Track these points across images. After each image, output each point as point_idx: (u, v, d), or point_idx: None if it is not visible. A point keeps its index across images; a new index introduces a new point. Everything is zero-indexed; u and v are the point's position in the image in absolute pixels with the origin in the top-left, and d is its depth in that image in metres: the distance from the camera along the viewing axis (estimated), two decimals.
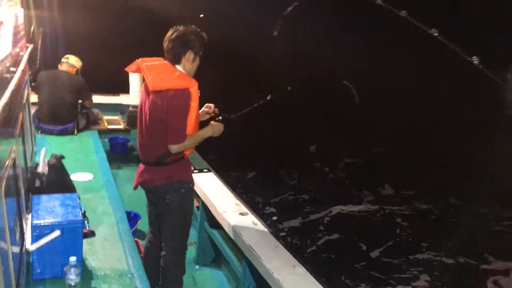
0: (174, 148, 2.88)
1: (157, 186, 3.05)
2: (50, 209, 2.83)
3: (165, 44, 2.98)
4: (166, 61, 2.99)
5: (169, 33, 2.98)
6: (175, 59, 2.95)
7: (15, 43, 3.17)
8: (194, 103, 2.89)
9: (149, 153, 3.02)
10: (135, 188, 3.19)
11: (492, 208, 8.94)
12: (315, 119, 13.92)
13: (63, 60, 5.92)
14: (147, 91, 2.98)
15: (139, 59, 3.01)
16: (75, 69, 5.91)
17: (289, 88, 3.28)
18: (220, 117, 3.17)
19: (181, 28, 2.98)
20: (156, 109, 2.90)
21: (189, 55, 2.96)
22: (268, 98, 3.26)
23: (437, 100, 15.52)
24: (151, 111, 2.94)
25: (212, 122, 3.14)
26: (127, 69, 3.11)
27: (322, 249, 7.14)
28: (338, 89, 3.38)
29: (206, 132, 3.07)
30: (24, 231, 2.67)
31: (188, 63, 2.98)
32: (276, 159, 11.01)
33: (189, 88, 2.85)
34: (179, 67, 2.95)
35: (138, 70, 3.03)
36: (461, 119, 13.25)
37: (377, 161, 11.44)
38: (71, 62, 5.90)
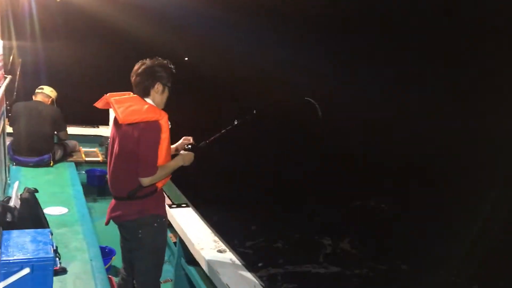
0: (145, 181, 2.83)
1: (128, 220, 2.99)
2: (20, 246, 2.73)
3: (133, 78, 2.97)
4: (134, 95, 2.97)
5: (136, 66, 2.97)
6: (144, 92, 2.94)
7: None
8: (165, 134, 2.87)
9: (120, 188, 2.97)
10: (107, 223, 3.12)
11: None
12: (285, 144, 14.14)
13: (37, 90, 5.86)
14: (116, 125, 2.95)
15: (108, 94, 2.97)
16: (50, 99, 5.85)
17: (254, 111, 3.27)
18: (190, 146, 3.14)
19: (147, 61, 2.97)
20: (126, 142, 2.86)
21: (158, 87, 2.95)
22: (235, 123, 3.24)
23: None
24: (121, 144, 2.90)
25: (182, 151, 3.11)
26: (96, 104, 3.08)
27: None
28: (301, 105, 3.38)
29: (177, 162, 3.01)
30: None
31: (157, 95, 2.97)
32: (255, 191, 10.99)
33: (159, 120, 2.83)
34: (148, 100, 2.94)
35: (106, 105, 2.99)
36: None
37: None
38: (46, 92, 5.84)
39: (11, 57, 5.72)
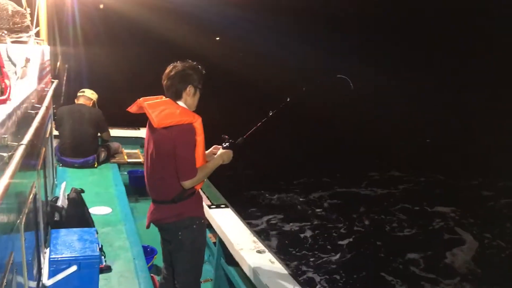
0: (187, 183, 2.87)
1: (168, 223, 3.03)
2: (68, 244, 2.84)
3: (164, 82, 3.01)
4: (167, 99, 3.02)
5: (167, 70, 3.01)
6: (176, 95, 2.98)
7: (40, 79, 3.27)
8: (200, 137, 2.90)
9: (160, 193, 3.01)
10: (148, 227, 3.17)
11: None
12: (318, 142, 14.09)
13: (79, 94, 6.06)
14: (151, 129, 3.00)
15: (141, 99, 3.01)
16: (91, 102, 6.05)
17: (288, 99, 3.25)
18: (228, 143, 3.15)
19: (178, 64, 3.01)
20: (162, 146, 2.90)
21: (189, 89, 2.98)
22: (270, 114, 3.23)
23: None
24: (157, 149, 2.94)
25: (220, 150, 3.13)
26: (129, 109, 3.12)
27: None
28: (334, 82, 3.32)
29: (216, 161, 3.05)
30: (42, 265, 2.68)
31: (189, 98, 3.00)
32: (293, 189, 11.00)
33: (193, 123, 2.87)
34: (180, 103, 2.97)
35: (140, 110, 3.03)
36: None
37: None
38: (87, 95, 6.04)
39: (58, 63, 5.93)
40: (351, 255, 8.13)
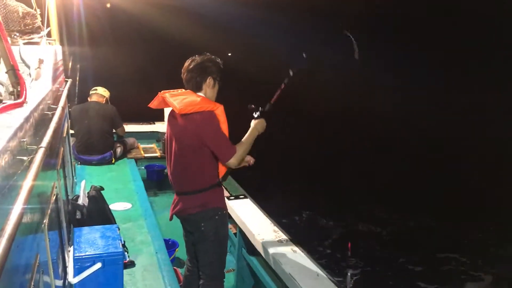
0: (232, 162, 2.87)
1: (190, 214, 3.05)
2: (91, 242, 2.87)
3: (184, 75, 3.04)
4: (187, 90, 3.04)
5: (187, 64, 3.04)
6: (197, 87, 3.00)
7: (54, 79, 3.28)
8: (224, 125, 2.91)
9: (184, 184, 3.03)
10: (171, 219, 3.19)
11: None
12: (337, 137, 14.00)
13: (91, 92, 6.11)
14: (172, 122, 3.02)
15: (161, 92, 3.05)
16: (104, 99, 6.10)
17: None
18: (258, 113, 3.14)
19: (197, 57, 3.04)
20: (185, 135, 2.92)
21: (209, 81, 3.01)
22: (291, 74, 3.16)
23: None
24: (180, 140, 2.96)
25: (252, 121, 3.12)
26: (150, 105, 3.15)
27: (366, 277, 6.96)
28: (343, 36, 3.23)
29: (253, 133, 3.06)
30: (67, 264, 2.71)
31: (209, 89, 3.02)
32: (311, 178, 10.96)
33: (215, 111, 2.88)
34: (201, 94, 3.00)
35: (161, 104, 3.07)
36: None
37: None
38: (99, 92, 6.09)
39: (70, 62, 5.97)
40: (377, 247, 8.06)
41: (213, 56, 3.08)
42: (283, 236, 3.51)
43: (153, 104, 3.12)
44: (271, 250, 3.28)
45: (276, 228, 3.65)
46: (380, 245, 8.10)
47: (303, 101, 16.11)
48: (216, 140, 2.86)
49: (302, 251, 3.27)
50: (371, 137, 14.17)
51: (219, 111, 2.90)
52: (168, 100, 2.95)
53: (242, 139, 3.00)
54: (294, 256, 3.19)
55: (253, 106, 3.18)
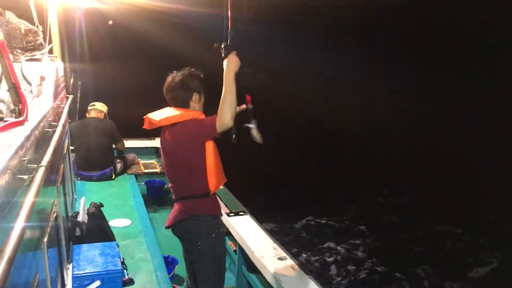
0: (221, 122, 2.67)
1: (181, 220, 3.02)
2: (90, 259, 2.86)
3: (169, 94, 3.01)
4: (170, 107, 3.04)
5: (168, 82, 3.02)
6: (184, 105, 3.00)
7: (56, 96, 3.30)
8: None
9: (178, 192, 3.04)
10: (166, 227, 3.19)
11: None
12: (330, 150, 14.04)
13: (89, 108, 6.15)
14: (162, 135, 3.03)
15: (147, 115, 3.04)
16: (102, 114, 6.13)
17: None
18: (224, 50, 2.78)
19: (177, 74, 3.03)
20: (171, 145, 2.93)
21: (195, 97, 3.01)
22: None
23: None
24: (168, 151, 2.97)
25: (224, 61, 2.80)
26: (145, 127, 3.15)
27: None
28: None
29: (228, 76, 2.74)
30: (65, 282, 2.69)
31: (196, 104, 3.03)
32: (311, 195, 10.95)
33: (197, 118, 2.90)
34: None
35: (151, 125, 3.06)
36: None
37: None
38: (98, 108, 6.12)
39: (72, 79, 6.00)
40: (375, 262, 8.04)
41: (193, 69, 3.06)
42: (283, 253, 3.49)
43: (145, 125, 3.13)
44: (271, 268, 3.26)
45: (276, 246, 3.63)
46: (382, 263, 8.05)
47: (305, 117, 16.23)
48: (195, 123, 2.83)
49: (302, 269, 3.25)
50: (373, 151, 14.24)
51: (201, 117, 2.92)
52: (154, 121, 2.95)
53: (223, 94, 2.71)
54: (294, 274, 3.17)
55: (216, 44, 2.83)
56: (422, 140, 14.64)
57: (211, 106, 3.00)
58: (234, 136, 2.76)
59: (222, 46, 2.80)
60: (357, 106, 18.03)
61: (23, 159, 1.38)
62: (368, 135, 15.26)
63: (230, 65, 2.76)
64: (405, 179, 12.15)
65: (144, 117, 3.06)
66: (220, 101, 2.69)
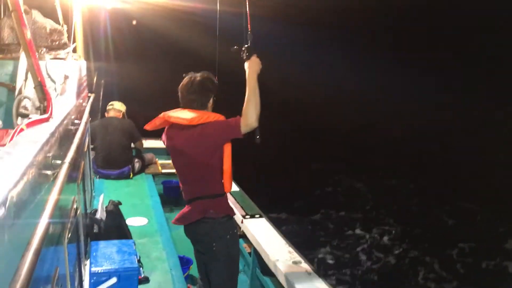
0: (245, 122, 2.71)
1: (191, 222, 3.02)
2: (107, 256, 2.89)
3: (187, 96, 3.00)
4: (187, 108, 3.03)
5: (187, 84, 3.00)
6: (201, 107, 3.00)
7: (78, 94, 3.36)
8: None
9: (190, 191, 3.04)
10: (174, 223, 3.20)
11: None
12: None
13: (108, 107, 6.24)
14: (175, 135, 3.01)
15: (163, 113, 3.02)
16: (121, 113, 6.22)
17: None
18: (246, 52, 2.85)
19: (197, 77, 3.01)
20: (195, 144, 2.91)
21: (211, 100, 3.05)
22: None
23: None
24: (189, 150, 2.94)
25: (245, 65, 2.88)
26: (147, 127, 3.15)
27: None
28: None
29: (251, 76, 2.80)
30: (83, 277, 2.73)
31: (210, 107, 3.06)
32: (327, 199, 10.93)
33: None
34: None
35: (162, 124, 3.06)
36: None
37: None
38: (116, 107, 6.21)
39: (94, 78, 6.10)
40: (392, 268, 7.99)
41: (210, 74, 3.07)
42: (297, 257, 3.49)
43: (151, 125, 3.10)
44: (285, 271, 3.26)
45: (291, 249, 3.63)
46: (400, 268, 8.00)
47: (320, 118, 16.20)
48: (220, 127, 2.84)
49: (316, 273, 3.24)
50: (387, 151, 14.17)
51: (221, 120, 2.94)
52: (173, 115, 2.95)
53: (246, 95, 2.75)
54: (309, 278, 3.17)
55: (236, 47, 2.90)
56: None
57: (229, 105, 3.04)
58: (258, 136, 2.81)
59: (243, 48, 2.85)
60: (397, 111, 17.71)
61: (48, 155, 1.41)
62: (407, 139, 15.10)
63: (252, 67, 2.81)
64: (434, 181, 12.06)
65: (162, 114, 3.02)
66: (245, 102, 2.73)
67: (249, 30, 2.92)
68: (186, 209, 3.08)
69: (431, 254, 8.29)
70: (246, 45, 2.87)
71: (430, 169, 12.75)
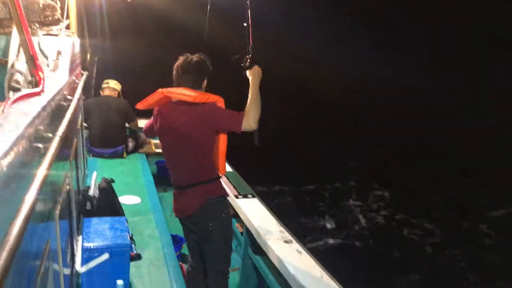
0: (246, 125, 2.82)
1: (195, 211, 3.03)
2: (99, 232, 2.91)
3: (183, 76, 3.00)
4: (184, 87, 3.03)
5: (183, 63, 3.01)
6: (196, 87, 3.01)
7: (71, 71, 3.33)
8: None
9: (185, 177, 3.05)
10: (176, 216, 3.23)
11: None
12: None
13: (103, 85, 6.19)
14: (170, 114, 3.01)
15: (160, 89, 3.00)
16: (116, 92, 6.18)
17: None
18: (247, 62, 3.03)
19: (194, 57, 3.03)
20: (189, 127, 2.93)
21: (205, 81, 3.08)
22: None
23: None
24: (182, 132, 2.96)
25: (246, 73, 3.03)
26: (141, 105, 3.14)
27: (372, 279, 6.97)
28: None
29: (254, 85, 2.95)
30: (75, 252, 2.75)
31: (203, 88, 3.08)
32: (317, 180, 10.99)
33: (216, 102, 2.94)
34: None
35: (160, 101, 3.03)
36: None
37: None
38: (111, 86, 6.16)
39: (88, 55, 6.03)
40: (378, 246, 8.10)
41: (206, 57, 3.10)
42: (289, 236, 3.52)
43: (147, 102, 3.08)
44: (277, 250, 3.29)
45: (282, 229, 3.66)
46: (391, 249, 8.10)
47: (319, 100, 16.18)
48: (223, 115, 2.89)
49: (307, 252, 3.28)
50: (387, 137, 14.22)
51: (221, 103, 2.97)
52: (175, 91, 2.95)
53: (248, 99, 2.90)
54: (299, 257, 3.21)
55: (237, 56, 3.08)
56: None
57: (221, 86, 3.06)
58: (257, 139, 2.97)
59: (245, 58, 3.05)
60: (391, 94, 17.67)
61: (39, 127, 1.40)
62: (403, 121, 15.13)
63: (255, 76, 2.98)
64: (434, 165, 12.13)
65: (160, 90, 2.99)
66: (247, 105, 2.87)
67: (251, 41, 3.09)
68: (183, 197, 3.08)
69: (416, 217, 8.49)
70: (247, 56, 3.05)
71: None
